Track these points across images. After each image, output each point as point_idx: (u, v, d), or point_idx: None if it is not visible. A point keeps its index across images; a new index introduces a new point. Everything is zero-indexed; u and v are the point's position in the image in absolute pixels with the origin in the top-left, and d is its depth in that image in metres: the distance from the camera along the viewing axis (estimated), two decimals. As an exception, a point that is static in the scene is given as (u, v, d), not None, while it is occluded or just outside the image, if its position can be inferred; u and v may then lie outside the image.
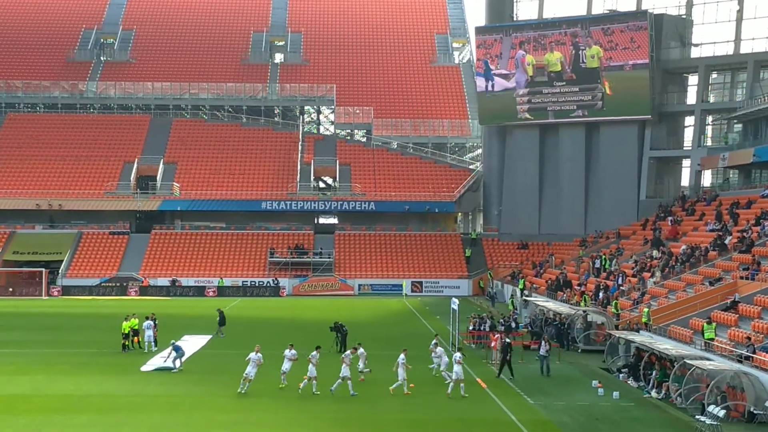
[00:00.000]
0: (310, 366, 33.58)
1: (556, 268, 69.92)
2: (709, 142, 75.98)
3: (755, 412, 30.29)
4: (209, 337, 49.04)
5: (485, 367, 40.44)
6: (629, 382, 37.46)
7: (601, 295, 53.93)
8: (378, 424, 29.69)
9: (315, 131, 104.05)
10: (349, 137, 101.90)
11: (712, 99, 76.97)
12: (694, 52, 77.81)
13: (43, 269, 77.46)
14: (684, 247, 55.48)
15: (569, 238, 78.40)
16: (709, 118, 77.74)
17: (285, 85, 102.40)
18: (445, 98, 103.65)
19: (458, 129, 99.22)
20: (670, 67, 77.34)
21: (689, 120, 78.38)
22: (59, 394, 33.78)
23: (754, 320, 37.98)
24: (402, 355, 34.37)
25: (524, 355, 42.66)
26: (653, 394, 34.79)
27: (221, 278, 79.70)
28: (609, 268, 60.92)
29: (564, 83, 79.95)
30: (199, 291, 77.46)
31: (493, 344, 41.96)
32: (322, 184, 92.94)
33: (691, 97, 77.93)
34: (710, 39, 77.08)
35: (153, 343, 43.60)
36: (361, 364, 36.11)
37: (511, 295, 68.08)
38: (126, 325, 44.36)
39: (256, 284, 79.58)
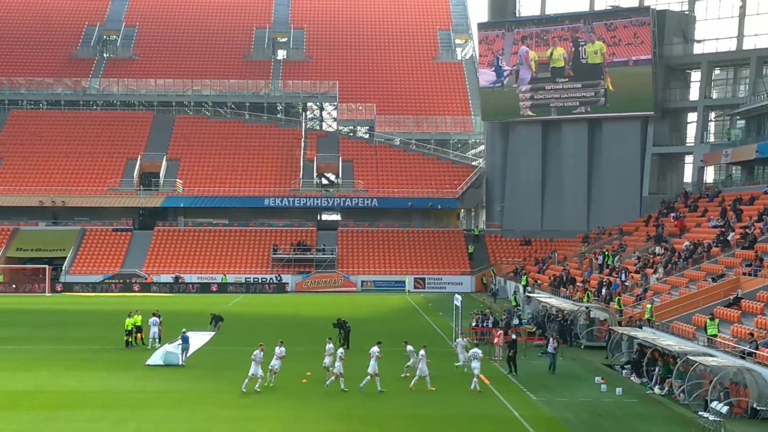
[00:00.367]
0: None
1: (559, 264, 69.99)
2: (711, 139, 75.80)
3: (758, 408, 30.28)
4: (212, 333, 49.21)
5: (488, 363, 40.42)
6: (632, 378, 37.45)
7: (603, 291, 53.92)
8: (381, 419, 29.73)
9: (318, 128, 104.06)
10: (351, 134, 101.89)
11: (714, 95, 76.92)
12: (697, 48, 77.68)
13: (47, 266, 77.55)
14: (687, 243, 55.40)
15: (572, 235, 78.35)
16: (712, 115, 77.59)
17: (288, 81, 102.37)
18: (447, 95, 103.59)
19: (461, 125, 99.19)
20: (673, 63, 77.29)
21: (692, 116, 78.30)
22: (63, 390, 33.88)
23: (757, 316, 37.99)
24: (422, 351, 34.57)
25: (527, 351, 42.67)
26: (656, 390, 34.80)
27: (224, 275, 79.80)
28: (612, 264, 60.91)
29: (567, 79, 79.90)
30: (203, 288, 77.60)
31: (495, 341, 42.02)
32: (324, 181, 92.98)
33: (694, 93, 77.85)
34: (713, 35, 76.99)
35: (157, 340, 43.67)
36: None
37: (514, 291, 68.11)
38: (129, 322, 44.46)
39: (259, 281, 79.67)
